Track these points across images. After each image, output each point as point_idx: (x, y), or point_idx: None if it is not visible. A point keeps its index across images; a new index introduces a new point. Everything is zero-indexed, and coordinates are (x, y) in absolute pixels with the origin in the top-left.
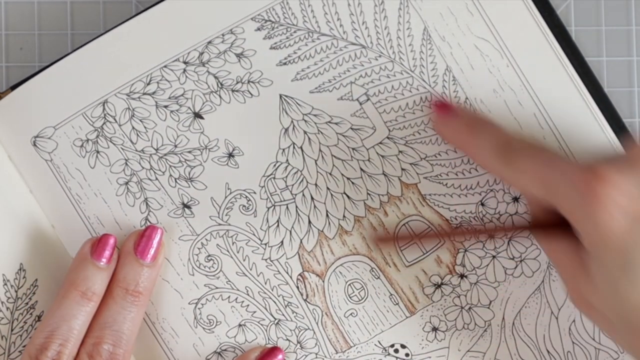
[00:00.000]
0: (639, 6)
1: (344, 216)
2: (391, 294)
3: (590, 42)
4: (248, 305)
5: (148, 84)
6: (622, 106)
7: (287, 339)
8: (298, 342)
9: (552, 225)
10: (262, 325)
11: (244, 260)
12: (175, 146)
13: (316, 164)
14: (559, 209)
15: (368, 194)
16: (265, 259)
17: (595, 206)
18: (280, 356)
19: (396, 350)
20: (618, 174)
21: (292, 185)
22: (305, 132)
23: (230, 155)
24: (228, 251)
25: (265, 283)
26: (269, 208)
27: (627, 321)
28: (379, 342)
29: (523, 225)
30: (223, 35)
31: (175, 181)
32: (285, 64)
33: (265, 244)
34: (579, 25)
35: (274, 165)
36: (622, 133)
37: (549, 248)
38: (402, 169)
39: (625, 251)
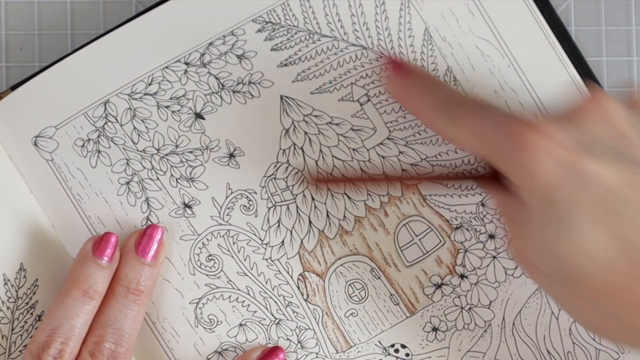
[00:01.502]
0: (639, 6)
1: (344, 216)
2: (391, 294)
3: (590, 42)
4: (249, 305)
5: (149, 84)
6: None
7: (288, 339)
8: (299, 341)
9: (496, 178)
10: (262, 324)
11: (245, 260)
12: (177, 146)
13: (317, 164)
14: (497, 162)
15: (368, 194)
16: (266, 259)
17: (527, 156)
18: (281, 355)
19: (396, 350)
20: (552, 125)
21: (293, 185)
22: (305, 133)
23: (231, 155)
24: (229, 251)
25: (266, 283)
26: (269, 208)
27: (562, 276)
28: (379, 342)
29: (468, 177)
30: (224, 36)
31: (177, 181)
32: (286, 65)
33: (266, 244)
34: (579, 25)
35: (275, 165)
36: None
37: (496, 201)
38: (403, 170)
39: (559, 203)
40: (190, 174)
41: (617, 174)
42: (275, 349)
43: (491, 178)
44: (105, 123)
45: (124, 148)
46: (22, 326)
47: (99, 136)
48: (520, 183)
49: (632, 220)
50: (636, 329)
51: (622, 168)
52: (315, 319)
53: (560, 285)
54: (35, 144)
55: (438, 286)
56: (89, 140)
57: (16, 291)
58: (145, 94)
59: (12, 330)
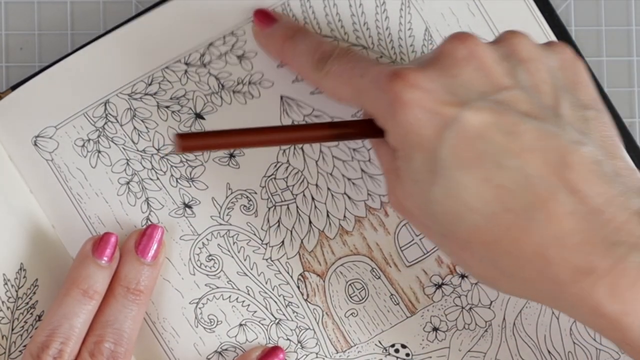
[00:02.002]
0: (639, 6)
1: (344, 216)
2: (392, 294)
3: (590, 42)
4: (249, 305)
5: (150, 84)
6: (622, 106)
7: (288, 339)
8: (299, 341)
9: (373, 128)
10: (262, 324)
11: (245, 260)
12: None
13: (317, 164)
14: (370, 113)
15: (369, 194)
16: (266, 259)
17: (399, 109)
18: (281, 355)
19: (397, 350)
20: (421, 75)
21: (293, 185)
22: None
23: (232, 155)
24: (229, 251)
25: (266, 283)
26: (269, 208)
27: (439, 225)
28: (379, 342)
29: (344, 126)
30: (224, 37)
31: (177, 181)
32: (286, 65)
33: (266, 244)
34: (579, 25)
35: (275, 165)
36: (622, 133)
37: (373, 149)
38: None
39: (433, 153)
40: (190, 174)
41: (488, 119)
42: (275, 349)
43: (369, 123)
44: (106, 123)
45: (124, 148)
46: (22, 326)
47: (99, 136)
48: (391, 132)
49: (508, 168)
50: (520, 280)
51: (493, 113)
52: (315, 319)
53: (440, 233)
54: (35, 144)
55: (438, 286)
56: (89, 140)
57: (16, 291)
58: (146, 94)
59: (12, 330)
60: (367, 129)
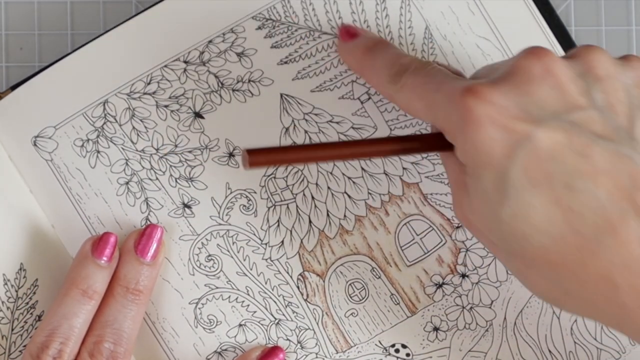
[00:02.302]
0: (639, 6)
1: (344, 216)
2: (392, 294)
3: (590, 42)
4: (248, 305)
5: (148, 83)
6: None
7: (288, 339)
8: (298, 342)
9: (442, 142)
10: (262, 325)
11: (245, 260)
12: (176, 146)
13: (317, 163)
14: (441, 128)
15: (369, 193)
16: (266, 259)
17: (470, 124)
18: (281, 355)
19: (397, 350)
20: (495, 90)
21: (293, 184)
22: (306, 132)
23: (231, 154)
24: (228, 251)
25: (266, 283)
26: (269, 208)
27: (506, 243)
28: (379, 342)
29: (413, 140)
30: (224, 34)
31: (176, 181)
32: (286, 62)
33: (266, 244)
34: (579, 25)
35: None
36: None
37: (442, 160)
38: (404, 168)
39: (503, 172)
40: (190, 174)
41: (561, 139)
42: (275, 349)
43: (437, 137)
44: (105, 123)
45: (123, 148)
46: (22, 326)
47: (98, 136)
48: (460, 148)
49: (579, 191)
50: (586, 301)
51: (565, 133)
52: (315, 319)
53: (506, 251)
54: (35, 144)
55: (439, 286)
56: (88, 140)
57: (16, 291)
58: (144, 94)
59: (12, 330)
60: (436, 142)
